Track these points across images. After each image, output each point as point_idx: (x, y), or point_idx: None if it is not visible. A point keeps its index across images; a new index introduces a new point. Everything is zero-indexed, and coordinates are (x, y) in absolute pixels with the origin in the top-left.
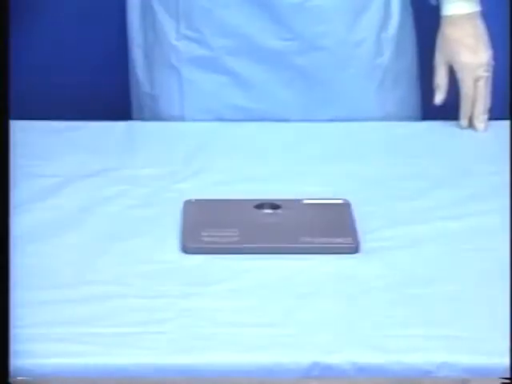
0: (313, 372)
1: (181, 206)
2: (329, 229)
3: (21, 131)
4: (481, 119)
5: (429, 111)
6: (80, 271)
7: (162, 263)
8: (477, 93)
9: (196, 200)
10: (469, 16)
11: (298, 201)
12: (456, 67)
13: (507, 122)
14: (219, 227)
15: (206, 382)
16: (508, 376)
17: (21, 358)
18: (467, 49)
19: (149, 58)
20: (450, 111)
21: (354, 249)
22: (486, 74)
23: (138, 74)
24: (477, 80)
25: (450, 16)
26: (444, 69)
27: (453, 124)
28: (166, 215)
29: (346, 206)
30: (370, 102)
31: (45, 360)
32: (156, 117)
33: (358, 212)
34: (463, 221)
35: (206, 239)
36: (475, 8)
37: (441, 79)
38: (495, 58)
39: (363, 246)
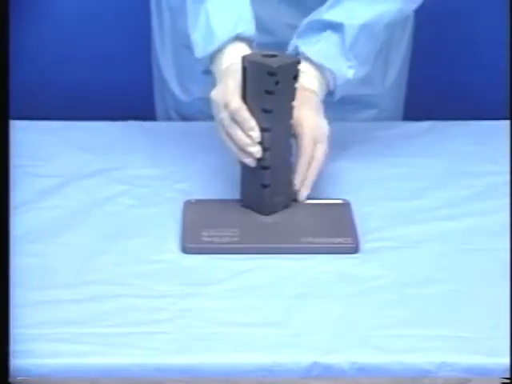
0: (313, 372)
1: (181, 205)
2: (329, 229)
3: (21, 131)
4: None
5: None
6: (80, 271)
7: (162, 263)
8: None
9: (196, 200)
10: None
11: (298, 201)
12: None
13: (507, 122)
14: (219, 227)
15: (206, 381)
16: (508, 376)
17: (21, 358)
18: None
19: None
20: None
21: (354, 249)
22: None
23: (165, 74)
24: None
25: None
26: None
27: (453, 124)
28: (166, 215)
29: (346, 206)
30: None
31: (45, 360)
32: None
33: (357, 212)
34: (463, 221)
35: (205, 239)
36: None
37: None
38: (495, 57)
39: (363, 246)
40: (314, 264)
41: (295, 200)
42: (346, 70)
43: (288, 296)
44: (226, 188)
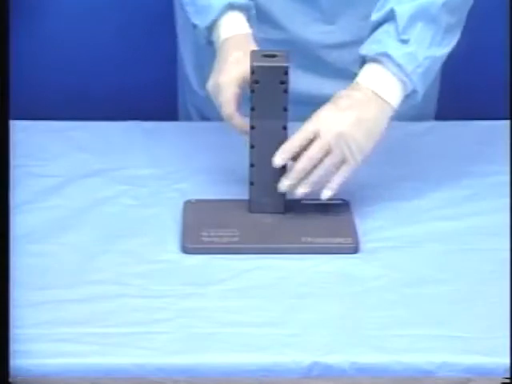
0: (313, 372)
1: (181, 205)
2: (329, 229)
3: (21, 131)
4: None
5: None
6: (80, 271)
7: (162, 263)
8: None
9: (196, 200)
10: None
11: (298, 201)
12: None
13: (507, 122)
14: (219, 227)
15: (206, 381)
16: (508, 376)
17: (21, 358)
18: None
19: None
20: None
21: (354, 249)
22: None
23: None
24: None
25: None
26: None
27: (453, 124)
28: (166, 215)
29: (345, 206)
30: None
31: (45, 360)
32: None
33: (357, 212)
34: (463, 221)
35: (205, 239)
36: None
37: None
38: (495, 57)
39: (363, 246)
40: (314, 264)
41: (297, 200)
42: (405, 50)
43: (288, 296)
44: (226, 188)
